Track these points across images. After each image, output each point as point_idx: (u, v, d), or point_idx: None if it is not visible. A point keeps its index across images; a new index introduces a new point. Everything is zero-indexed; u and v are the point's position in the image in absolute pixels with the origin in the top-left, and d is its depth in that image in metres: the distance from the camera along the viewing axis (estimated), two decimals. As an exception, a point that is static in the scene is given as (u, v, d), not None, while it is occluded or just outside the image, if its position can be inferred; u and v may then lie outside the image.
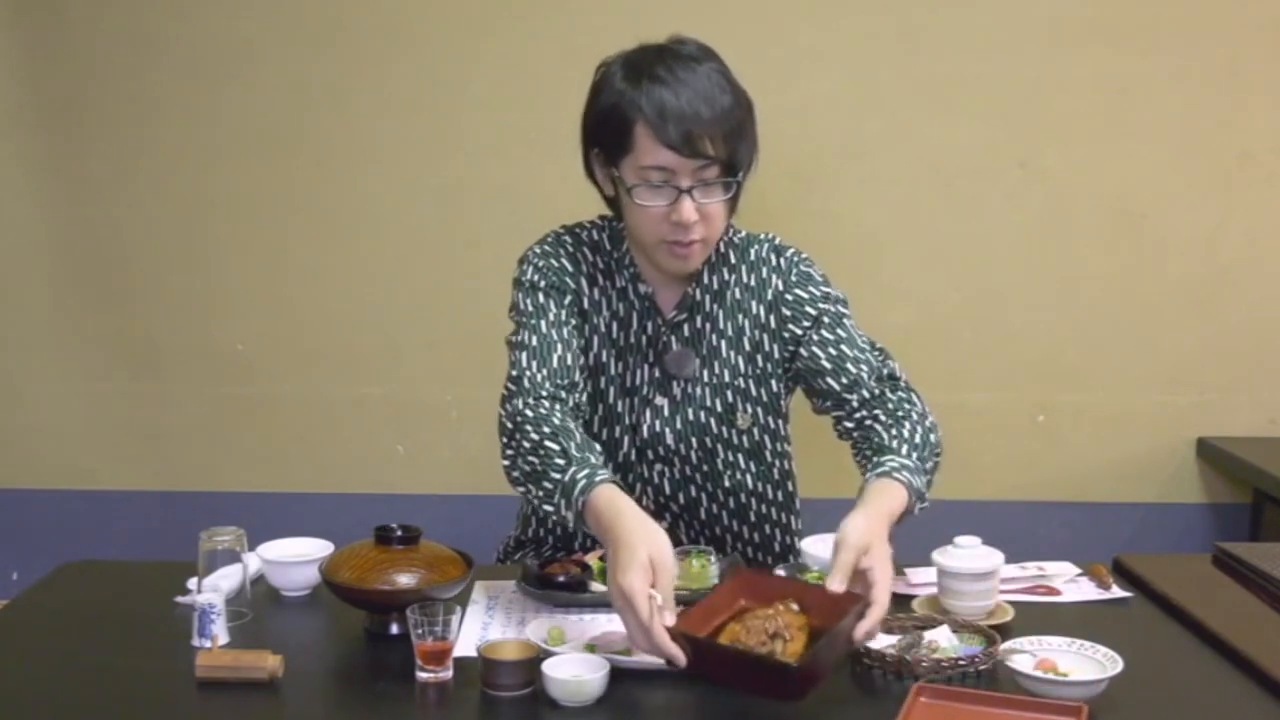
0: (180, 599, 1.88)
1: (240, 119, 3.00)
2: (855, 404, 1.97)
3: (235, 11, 2.97)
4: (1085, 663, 1.59)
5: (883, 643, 1.68)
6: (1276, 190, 2.97)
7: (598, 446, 1.80)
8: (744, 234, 2.06)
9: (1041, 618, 1.80)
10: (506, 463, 1.84)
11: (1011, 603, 1.85)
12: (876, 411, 1.94)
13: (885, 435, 1.88)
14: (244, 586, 1.88)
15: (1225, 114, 2.94)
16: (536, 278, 1.98)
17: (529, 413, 1.82)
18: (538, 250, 2.01)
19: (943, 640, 1.69)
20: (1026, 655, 1.62)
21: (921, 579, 1.93)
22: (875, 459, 1.83)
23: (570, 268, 1.99)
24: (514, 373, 1.90)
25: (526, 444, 1.79)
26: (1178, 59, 2.92)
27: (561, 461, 1.74)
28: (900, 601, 1.89)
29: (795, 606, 1.61)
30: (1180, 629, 1.81)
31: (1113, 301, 3.00)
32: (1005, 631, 1.73)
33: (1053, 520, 3.04)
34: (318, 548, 1.95)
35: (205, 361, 3.08)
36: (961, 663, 1.62)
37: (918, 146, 2.96)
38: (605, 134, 1.89)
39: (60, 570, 2.06)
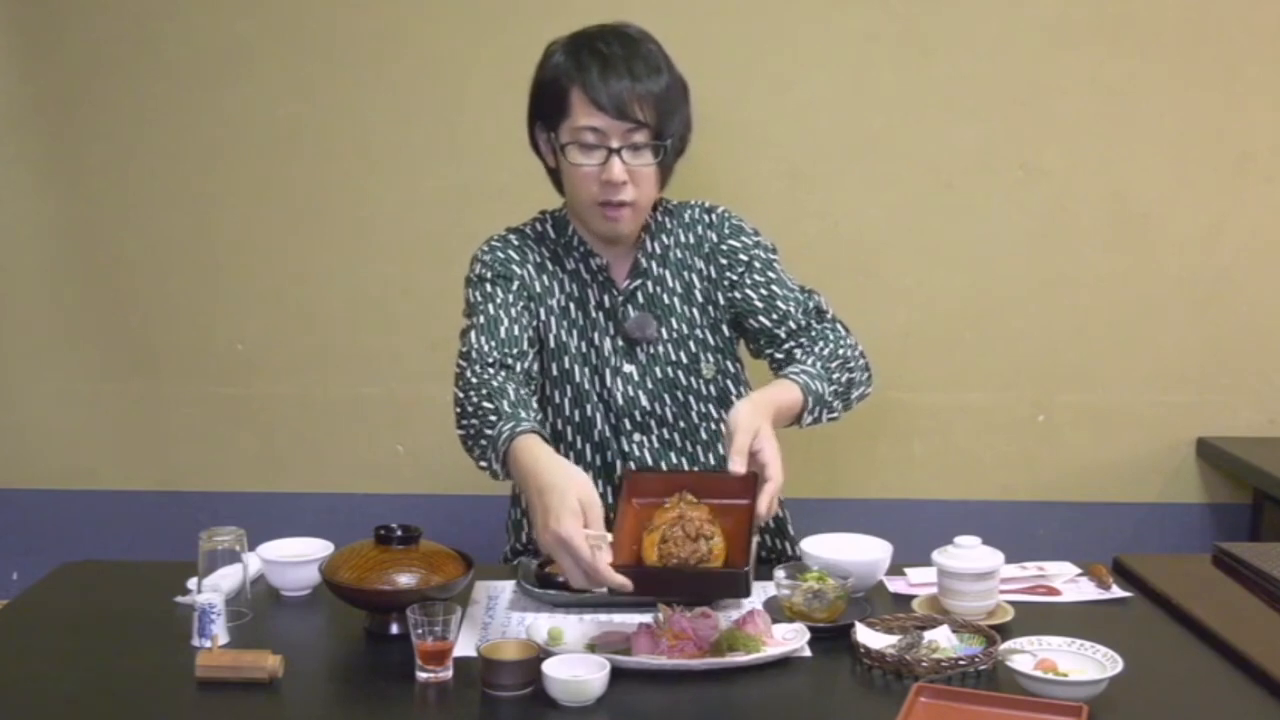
0: (180, 599, 1.88)
1: (240, 119, 3.00)
2: (783, 335, 2.08)
3: (235, 12, 2.97)
4: (1085, 663, 1.59)
5: (883, 643, 1.68)
6: (1276, 190, 2.97)
7: (534, 405, 1.87)
8: (676, 202, 2.18)
9: (1041, 618, 1.80)
10: (460, 432, 1.88)
11: (1011, 603, 1.85)
12: (801, 340, 2.07)
13: (800, 355, 2.03)
14: (244, 586, 1.88)
15: (1225, 114, 2.94)
16: (484, 270, 2.07)
17: (474, 379, 1.89)
18: (484, 247, 2.11)
19: (943, 640, 1.69)
20: (1026, 655, 1.62)
21: (921, 579, 1.94)
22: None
23: (517, 257, 2.09)
24: (464, 350, 1.97)
25: (469, 408, 1.86)
26: (1178, 59, 2.92)
27: (494, 418, 1.80)
28: (900, 601, 1.89)
29: (691, 497, 1.74)
30: (1180, 629, 1.81)
31: (1113, 301, 3.00)
32: (1005, 631, 1.73)
33: (1053, 520, 3.04)
34: (318, 548, 1.95)
35: (205, 361, 3.08)
36: (961, 663, 1.62)
37: (918, 146, 2.96)
38: (545, 103, 2.02)
39: (60, 570, 2.06)
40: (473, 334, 1.98)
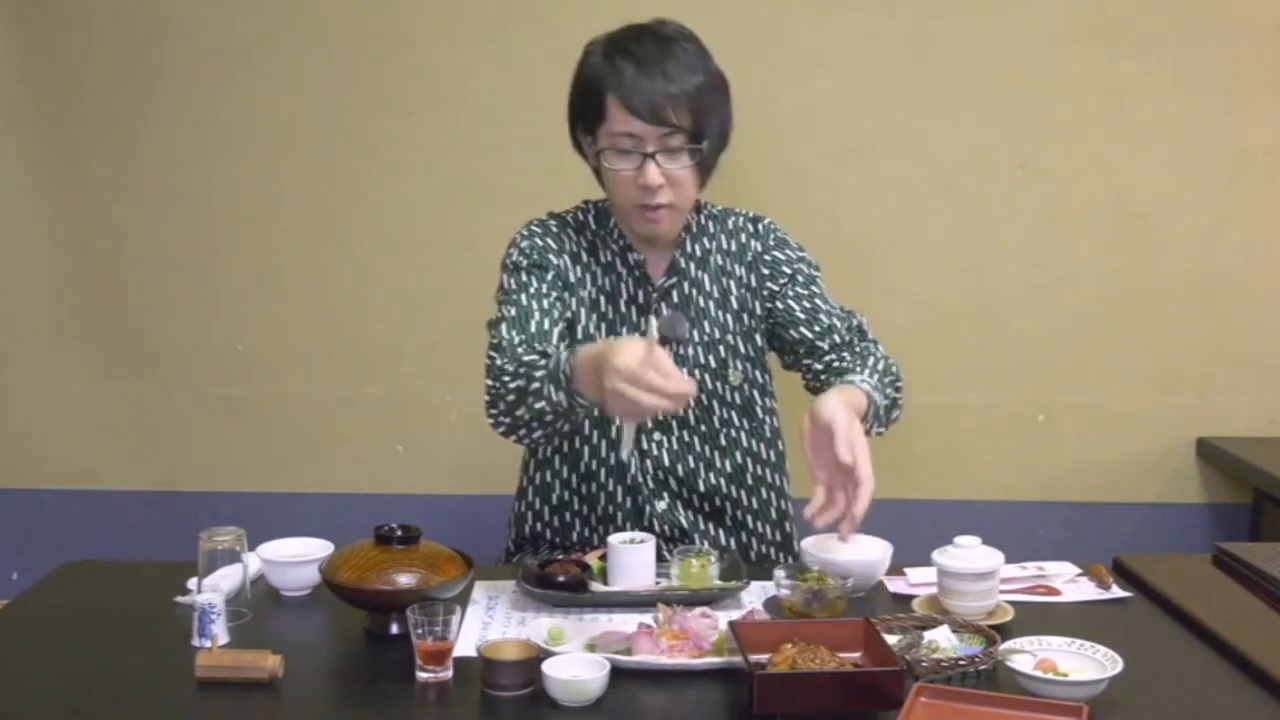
0: (180, 599, 1.88)
1: (240, 119, 3.00)
2: (826, 348, 2.09)
3: (235, 12, 2.97)
4: (1085, 663, 1.59)
5: (883, 643, 1.68)
6: (1276, 190, 2.97)
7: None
8: (720, 207, 2.18)
9: (1041, 618, 1.80)
10: (495, 411, 1.93)
11: (1011, 603, 1.85)
12: (844, 354, 2.07)
13: (850, 367, 2.02)
14: (244, 586, 1.88)
15: (1225, 114, 2.94)
16: (520, 258, 2.07)
17: (508, 366, 1.91)
18: (523, 232, 2.11)
19: (943, 640, 1.69)
20: (1026, 655, 1.62)
21: (921, 579, 1.93)
22: (838, 381, 1.96)
23: (554, 245, 2.09)
24: (495, 342, 1.98)
25: (507, 378, 1.89)
26: (1178, 60, 2.92)
27: (542, 362, 1.86)
28: (900, 601, 1.89)
29: (803, 642, 1.59)
30: (1180, 629, 1.81)
31: (1113, 301, 3.00)
32: (1005, 631, 1.73)
33: (1053, 520, 3.04)
34: (318, 548, 1.95)
35: (205, 361, 3.08)
36: (961, 663, 1.62)
37: (918, 146, 2.96)
38: (584, 106, 2.02)
39: (60, 570, 2.06)
40: (504, 326, 1.99)
